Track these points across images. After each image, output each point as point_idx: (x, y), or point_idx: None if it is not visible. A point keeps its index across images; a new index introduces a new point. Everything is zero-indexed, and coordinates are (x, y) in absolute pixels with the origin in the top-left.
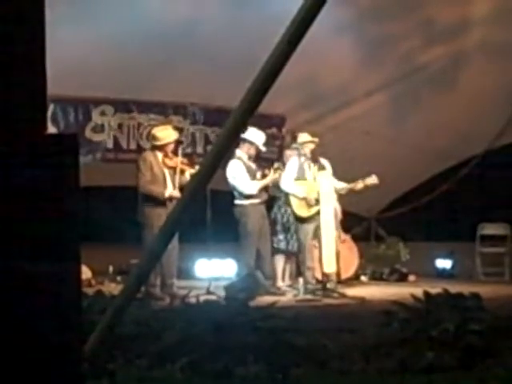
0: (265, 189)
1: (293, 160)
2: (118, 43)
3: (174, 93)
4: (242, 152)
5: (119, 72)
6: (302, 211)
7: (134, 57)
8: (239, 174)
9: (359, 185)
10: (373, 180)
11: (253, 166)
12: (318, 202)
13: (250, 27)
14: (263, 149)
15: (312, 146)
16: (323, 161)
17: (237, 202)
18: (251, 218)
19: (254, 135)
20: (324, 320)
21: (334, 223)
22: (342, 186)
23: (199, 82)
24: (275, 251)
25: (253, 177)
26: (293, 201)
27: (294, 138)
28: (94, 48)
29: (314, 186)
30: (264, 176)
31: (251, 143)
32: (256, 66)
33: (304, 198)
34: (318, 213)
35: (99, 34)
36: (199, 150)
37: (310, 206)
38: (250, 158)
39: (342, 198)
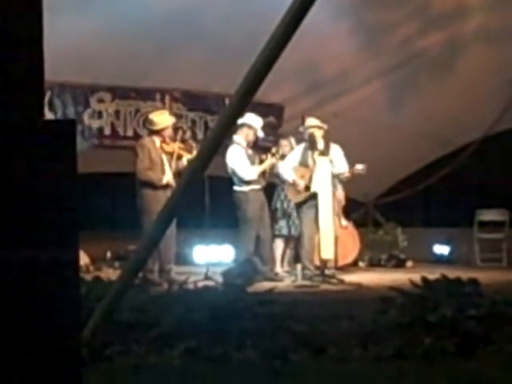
0: (262, 175)
1: (300, 145)
2: (116, 30)
3: (175, 80)
4: (240, 138)
5: (118, 59)
6: (292, 196)
7: (133, 43)
8: (239, 160)
9: (346, 173)
10: (361, 170)
11: (250, 152)
12: (308, 188)
13: (250, 14)
14: (261, 134)
15: (315, 130)
16: (334, 146)
17: (236, 188)
18: (251, 204)
19: (252, 119)
20: (322, 306)
21: (334, 209)
22: (340, 171)
23: (200, 69)
24: (276, 237)
25: (251, 163)
26: (286, 185)
27: (303, 122)
28: (92, 35)
29: (307, 173)
30: (261, 162)
31: (250, 127)
32: (256, 54)
33: (292, 183)
34: (315, 198)
35: (98, 20)
36: (199, 136)
37: (297, 191)
38: (248, 144)
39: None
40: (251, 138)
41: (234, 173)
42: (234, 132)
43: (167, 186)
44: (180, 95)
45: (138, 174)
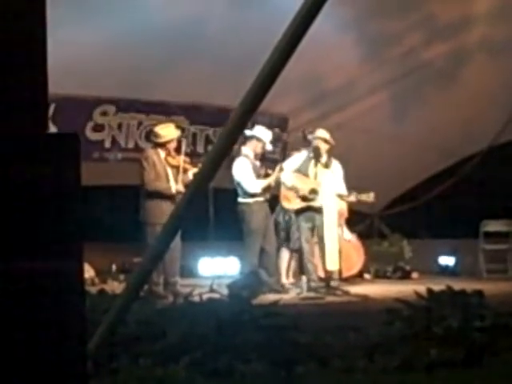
0: (267, 188)
1: (302, 152)
2: (120, 43)
3: (177, 93)
4: (248, 150)
5: (121, 72)
6: (285, 202)
7: (136, 56)
8: (245, 172)
9: (351, 197)
10: (368, 197)
11: (257, 164)
12: (305, 199)
13: (253, 27)
14: (270, 147)
15: (321, 143)
16: (335, 163)
17: (241, 199)
18: (255, 216)
19: (262, 132)
20: (327, 318)
21: (338, 221)
22: (340, 192)
23: (202, 82)
24: (281, 249)
25: (257, 175)
26: (282, 190)
27: (305, 137)
28: (96, 48)
29: (308, 183)
30: (267, 175)
31: (258, 140)
32: (259, 66)
33: (291, 188)
34: (315, 210)
35: (101, 33)
36: (200, 149)
37: (295, 198)
38: (255, 156)
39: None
40: (259, 150)
41: (239, 184)
42: (243, 144)
43: (177, 194)
44: (182, 108)
45: (147, 184)
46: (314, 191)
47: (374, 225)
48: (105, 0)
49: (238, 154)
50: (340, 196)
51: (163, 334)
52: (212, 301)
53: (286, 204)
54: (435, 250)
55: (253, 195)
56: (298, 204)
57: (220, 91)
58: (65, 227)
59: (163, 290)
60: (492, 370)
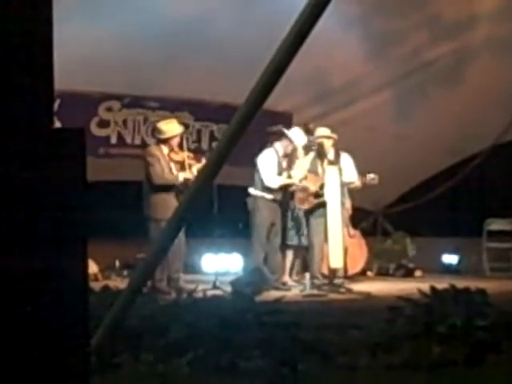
0: (284, 188)
1: (309, 154)
2: (125, 39)
3: (182, 89)
4: (279, 146)
5: (127, 68)
6: (300, 203)
7: (141, 53)
8: (268, 164)
9: (357, 182)
10: (373, 180)
11: (283, 163)
12: (317, 196)
13: (258, 24)
14: (301, 151)
15: (324, 140)
16: (344, 155)
17: (251, 190)
18: (261, 210)
19: (297, 135)
20: (330, 315)
21: (342, 218)
22: (350, 180)
23: (207, 78)
24: (287, 247)
25: (279, 173)
26: (295, 192)
27: (308, 131)
28: (101, 44)
29: (316, 180)
30: (289, 177)
31: (291, 141)
32: (264, 63)
33: (303, 189)
34: (323, 207)
35: (107, 29)
36: (204, 146)
37: (306, 198)
38: (284, 155)
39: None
40: (289, 151)
41: (257, 173)
42: (278, 139)
43: (186, 183)
44: (187, 104)
45: (155, 177)
46: (323, 186)
47: (377, 222)
48: None
49: (270, 145)
50: (350, 184)
51: (166, 330)
52: (215, 297)
53: (299, 205)
54: (439, 248)
55: (263, 189)
56: (312, 203)
57: (225, 88)
58: (70, 223)
59: (166, 285)
60: (495, 368)
